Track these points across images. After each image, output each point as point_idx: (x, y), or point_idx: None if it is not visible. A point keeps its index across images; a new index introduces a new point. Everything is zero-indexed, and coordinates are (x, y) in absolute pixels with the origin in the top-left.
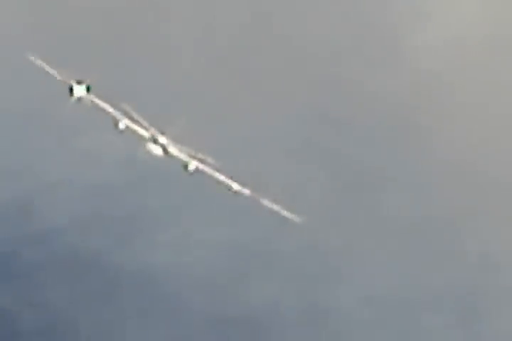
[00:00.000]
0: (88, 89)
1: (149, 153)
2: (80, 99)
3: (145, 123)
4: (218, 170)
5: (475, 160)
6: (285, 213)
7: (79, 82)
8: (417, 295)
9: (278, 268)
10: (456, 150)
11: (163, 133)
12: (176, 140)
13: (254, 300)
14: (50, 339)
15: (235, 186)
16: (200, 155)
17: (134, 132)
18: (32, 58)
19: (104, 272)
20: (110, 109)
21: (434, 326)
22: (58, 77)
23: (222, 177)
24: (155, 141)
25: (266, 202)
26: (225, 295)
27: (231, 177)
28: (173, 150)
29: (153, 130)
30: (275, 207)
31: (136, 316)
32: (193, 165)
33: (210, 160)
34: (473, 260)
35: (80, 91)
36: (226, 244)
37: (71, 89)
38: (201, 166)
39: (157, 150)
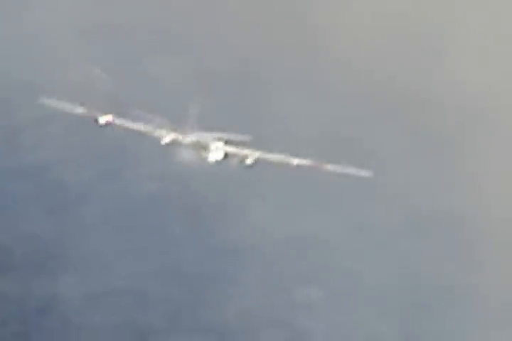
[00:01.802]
0: (112, 120)
1: (208, 159)
2: (104, 125)
3: (189, 133)
4: (272, 152)
5: None
6: (353, 171)
7: (103, 114)
8: None
9: None
10: None
11: (220, 139)
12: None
13: None
14: (39, 269)
15: (295, 161)
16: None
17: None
18: (46, 101)
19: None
20: (145, 128)
21: None
22: (78, 111)
23: (278, 157)
24: (211, 147)
25: (330, 167)
26: None
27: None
28: (230, 150)
29: (208, 135)
30: (341, 169)
31: (124, 243)
32: (251, 158)
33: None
34: None
35: (104, 119)
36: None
37: (96, 120)
38: (256, 157)
39: (219, 156)
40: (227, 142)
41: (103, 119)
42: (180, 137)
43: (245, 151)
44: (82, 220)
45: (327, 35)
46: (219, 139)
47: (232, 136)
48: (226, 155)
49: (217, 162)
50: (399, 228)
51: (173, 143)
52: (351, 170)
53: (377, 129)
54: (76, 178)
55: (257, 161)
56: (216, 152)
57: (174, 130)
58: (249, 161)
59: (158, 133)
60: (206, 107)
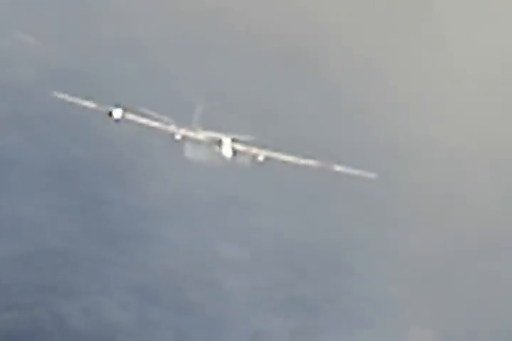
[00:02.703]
0: (124, 111)
1: (218, 156)
2: (118, 120)
3: (199, 129)
4: (281, 152)
5: None
6: (359, 172)
7: (116, 106)
8: None
9: None
10: None
11: (227, 136)
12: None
13: None
14: None
15: (303, 161)
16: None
17: (192, 139)
18: (60, 96)
19: None
20: (158, 124)
21: None
22: (92, 106)
23: (287, 158)
24: (220, 144)
25: (338, 168)
26: None
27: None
28: (239, 147)
29: (213, 134)
30: (348, 170)
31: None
32: (262, 155)
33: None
34: None
35: (117, 113)
36: None
37: (110, 113)
38: (267, 154)
39: (228, 153)
40: (234, 140)
41: (117, 114)
42: (192, 133)
43: (255, 150)
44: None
45: None
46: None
47: (235, 136)
48: (236, 152)
49: (231, 158)
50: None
51: (186, 139)
52: (357, 172)
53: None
54: None
55: (267, 159)
56: (230, 148)
57: (183, 127)
58: (261, 158)
59: (169, 128)
60: None
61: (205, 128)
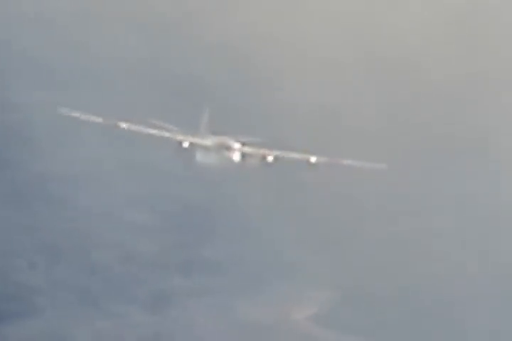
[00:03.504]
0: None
1: (228, 160)
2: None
3: (207, 134)
4: (288, 150)
5: None
6: (368, 165)
7: (122, 120)
8: None
9: None
10: None
11: (237, 141)
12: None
13: None
14: None
15: (313, 159)
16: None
17: (200, 146)
18: (66, 111)
19: None
20: (165, 134)
21: None
22: (99, 120)
23: (296, 155)
24: (229, 149)
25: (347, 162)
26: None
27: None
28: (248, 150)
29: (222, 138)
30: (357, 163)
31: None
32: (271, 156)
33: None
34: None
35: (123, 125)
36: None
37: (116, 127)
38: (276, 154)
39: (236, 157)
40: (243, 143)
41: (123, 125)
42: (199, 140)
43: (264, 151)
44: None
45: None
46: (234, 140)
47: (243, 138)
48: (245, 155)
49: (240, 161)
50: None
51: (194, 146)
52: (366, 164)
53: None
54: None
55: (276, 159)
56: (238, 152)
57: (191, 135)
58: (270, 159)
59: (177, 137)
60: None
61: (213, 132)
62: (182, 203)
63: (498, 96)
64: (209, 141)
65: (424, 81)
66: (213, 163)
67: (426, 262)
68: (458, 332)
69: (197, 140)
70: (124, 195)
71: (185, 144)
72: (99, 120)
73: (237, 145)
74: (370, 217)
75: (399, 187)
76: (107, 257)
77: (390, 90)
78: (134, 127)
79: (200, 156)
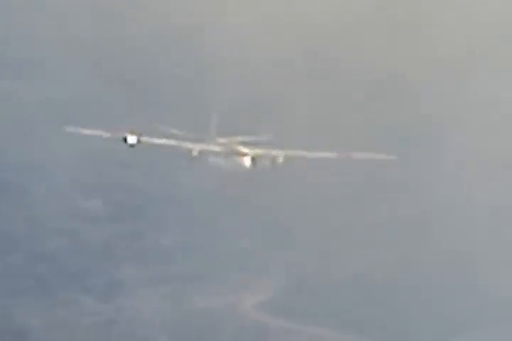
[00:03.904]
0: (139, 138)
1: (240, 166)
2: (133, 145)
3: (216, 139)
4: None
5: None
6: (379, 156)
7: (131, 133)
8: None
9: None
10: None
11: (246, 145)
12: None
13: None
14: None
15: (322, 154)
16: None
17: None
18: (72, 130)
19: None
20: (173, 143)
21: None
22: (106, 135)
23: (305, 153)
24: (240, 154)
25: (357, 155)
26: None
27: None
28: (258, 151)
29: (231, 143)
30: (367, 156)
31: None
32: (281, 156)
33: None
34: None
35: (132, 139)
36: None
37: (125, 139)
38: (286, 153)
39: (247, 162)
40: (250, 144)
41: (132, 139)
42: (208, 146)
43: (273, 152)
44: None
45: None
46: (242, 143)
47: (252, 138)
48: (255, 158)
49: (251, 166)
50: None
51: (204, 153)
52: (376, 156)
53: None
54: None
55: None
56: (249, 157)
57: (200, 141)
58: (280, 160)
59: (186, 145)
60: None
61: (221, 133)
62: (134, 191)
63: None
64: (218, 147)
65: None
66: (225, 168)
67: (377, 250)
68: (407, 319)
69: (206, 146)
70: (79, 184)
71: (195, 153)
72: (108, 135)
73: (247, 151)
74: (323, 205)
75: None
76: (61, 245)
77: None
78: (144, 139)
79: (210, 162)
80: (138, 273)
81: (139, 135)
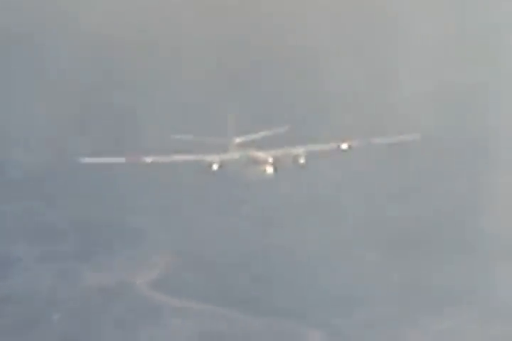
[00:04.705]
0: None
1: (262, 174)
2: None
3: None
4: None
5: None
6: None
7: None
8: None
9: None
10: None
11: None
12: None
13: None
14: None
15: (344, 145)
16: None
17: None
18: (88, 160)
19: None
20: (191, 157)
21: None
22: (124, 161)
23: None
24: (261, 162)
25: (377, 140)
26: None
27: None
28: (279, 153)
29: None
30: (390, 140)
31: None
32: (303, 157)
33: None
34: None
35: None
36: None
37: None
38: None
39: (270, 170)
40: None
41: (149, 159)
42: (228, 156)
43: (293, 150)
44: None
45: None
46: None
47: (270, 132)
48: (276, 164)
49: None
50: None
51: (224, 165)
52: (400, 138)
53: None
54: None
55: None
56: (270, 164)
57: (219, 150)
58: (302, 160)
59: (207, 158)
60: None
61: (238, 134)
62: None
63: None
64: (237, 153)
65: None
66: (247, 177)
67: (273, 229)
68: (299, 297)
69: (226, 157)
70: None
71: (215, 167)
72: (122, 160)
73: (266, 157)
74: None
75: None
76: None
77: None
78: (161, 158)
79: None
80: (30, 250)
81: (155, 156)
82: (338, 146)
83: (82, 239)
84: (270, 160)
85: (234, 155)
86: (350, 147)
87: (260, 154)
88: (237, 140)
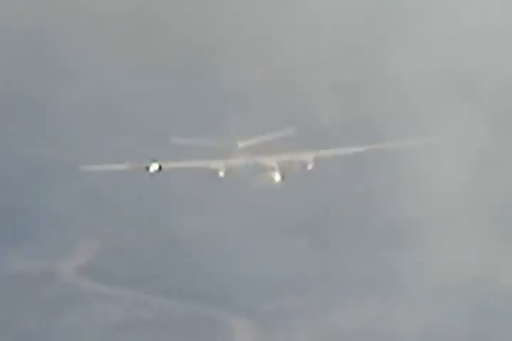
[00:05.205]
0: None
1: (269, 182)
2: (154, 173)
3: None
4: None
5: None
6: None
7: (153, 161)
8: None
9: None
10: None
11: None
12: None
13: None
14: None
15: (358, 149)
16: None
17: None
18: (90, 167)
19: None
20: (197, 163)
21: None
22: (126, 167)
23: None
24: (268, 169)
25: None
26: None
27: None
28: (286, 157)
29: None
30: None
31: None
32: (311, 162)
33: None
34: None
35: (154, 167)
36: None
37: (147, 168)
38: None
39: (277, 177)
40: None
41: (153, 167)
42: (232, 160)
43: (301, 156)
44: None
45: None
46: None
47: (275, 135)
48: (283, 171)
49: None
50: None
51: (230, 171)
52: (411, 142)
53: None
54: None
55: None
56: (277, 172)
57: (224, 155)
58: (310, 167)
59: (211, 164)
60: None
61: (243, 136)
62: None
63: None
64: (244, 161)
65: None
66: (253, 185)
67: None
68: (228, 284)
69: (231, 163)
70: None
71: (221, 174)
72: (123, 167)
73: (273, 163)
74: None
75: None
76: None
77: None
78: (166, 165)
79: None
80: None
81: (159, 162)
82: (348, 151)
83: (7, 225)
84: (277, 167)
85: (239, 161)
86: (365, 152)
87: (267, 161)
88: (241, 144)
